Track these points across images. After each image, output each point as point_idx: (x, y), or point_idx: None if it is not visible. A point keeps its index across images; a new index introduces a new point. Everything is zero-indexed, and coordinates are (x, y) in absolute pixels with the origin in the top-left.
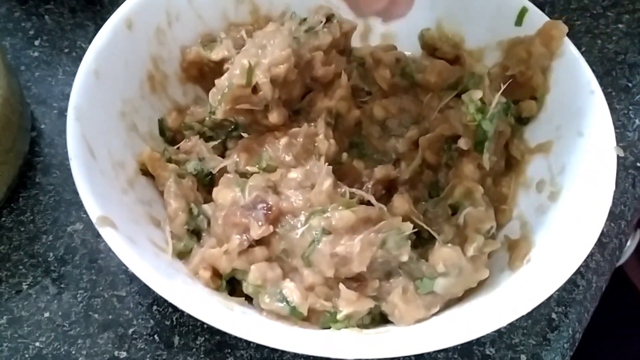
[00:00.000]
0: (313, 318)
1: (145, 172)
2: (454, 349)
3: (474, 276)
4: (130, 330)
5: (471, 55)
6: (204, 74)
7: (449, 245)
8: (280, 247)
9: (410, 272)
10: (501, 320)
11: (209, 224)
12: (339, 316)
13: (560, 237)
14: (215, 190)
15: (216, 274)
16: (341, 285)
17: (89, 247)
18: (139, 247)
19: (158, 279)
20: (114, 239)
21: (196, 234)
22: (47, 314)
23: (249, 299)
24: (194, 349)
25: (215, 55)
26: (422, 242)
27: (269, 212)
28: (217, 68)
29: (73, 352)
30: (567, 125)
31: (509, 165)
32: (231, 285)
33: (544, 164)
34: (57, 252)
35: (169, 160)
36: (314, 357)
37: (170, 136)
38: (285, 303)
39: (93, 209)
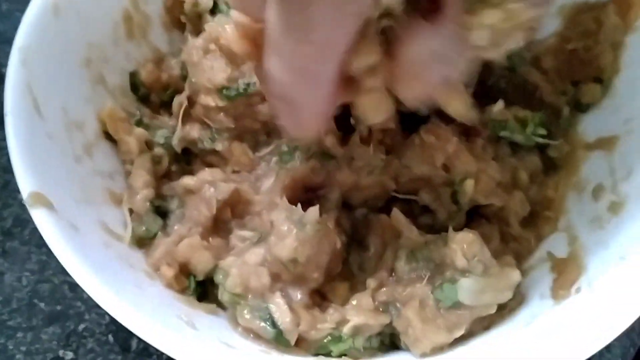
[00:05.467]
0: (303, 343)
1: (109, 135)
2: None
3: (503, 279)
4: (81, 327)
5: None
6: (190, 18)
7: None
8: None
9: (429, 257)
10: None
11: (180, 204)
12: (345, 328)
13: (622, 262)
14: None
15: (183, 271)
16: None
17: None
18: (81, 236)
19: (95, 282)
20: (47, 224)
21: (161, 215)
22: None
23: (221, 305)
24: (154, 356)
25: None
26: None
27: None
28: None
29: (10, 347)
30: None
31: (557, 162)
32: (202, 287)
33: (604, 165)
34: (3, 223)
35: (139, 124)
36: None
37: (143, 93)
38: (269, 324)
39: (25, 182)
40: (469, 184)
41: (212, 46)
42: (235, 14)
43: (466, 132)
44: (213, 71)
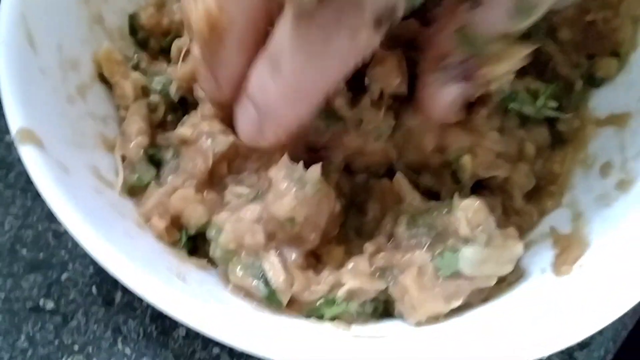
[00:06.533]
0: (295, 304)
1: (105, 79)
2: None
3: (505, 251)
4: (64, 276)
5: None
6: None
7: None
8: None
9: (431, 224)
10: (540, 349)
11: (175, 155)
12: (340, 292)
13: (629, 241)
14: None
15: (175, 224)
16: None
17: None
18: (70, 178)
19: (85, 225)
20: (36, 162)
21: (154, 164)
22: None
23: (212, 261)
24: (138, 311)
25: None
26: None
27: None
28: None
29: None
30: None
31: (565, 136)
32: (193, 242)
33: (614, 142)
34: None
35: (136, 68)
36: None
37: (142, 37)
38: (262, 282)
39: (15, 117)
40: (466, 160)
41: None
42: (207, 2)
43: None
44: None
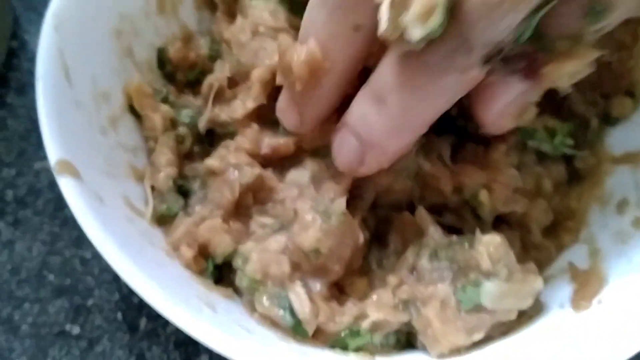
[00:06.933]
0: (320, 335)
1: (134, 110)
2: None
3: (525, 285)
4: (90, 302)
5: None
6: None
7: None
8: None
9: (453, 258)
10: None
11: (202, 185)
12: (364, 323)
13: None
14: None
15: (202, 253)
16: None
17: (56, 191)
18: (106, 207)
19: (119, 256)
20: (74, 193)
21: (182, 194)
22: None
23: (237, 290)
24: (162, 338)
25: None
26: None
27: None
28: None
29: (16, 318)
30: None
31: (582, 173)
32: (219, 271)
33: (629, 180)
34: (17, 191)
35: (165, 101)
36: None
37: (170, 70)
38: (288, 312)
39: (54, 149)
40: (484, 195)
41: (262, 29)
42: (310, 47)
43: (485, 139)
44: (266, 52)
